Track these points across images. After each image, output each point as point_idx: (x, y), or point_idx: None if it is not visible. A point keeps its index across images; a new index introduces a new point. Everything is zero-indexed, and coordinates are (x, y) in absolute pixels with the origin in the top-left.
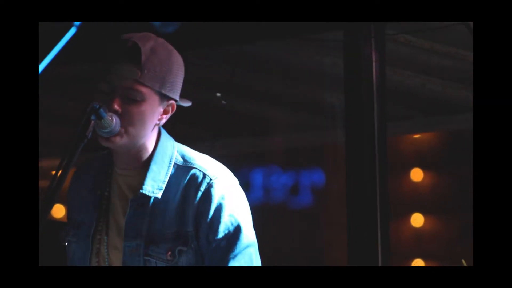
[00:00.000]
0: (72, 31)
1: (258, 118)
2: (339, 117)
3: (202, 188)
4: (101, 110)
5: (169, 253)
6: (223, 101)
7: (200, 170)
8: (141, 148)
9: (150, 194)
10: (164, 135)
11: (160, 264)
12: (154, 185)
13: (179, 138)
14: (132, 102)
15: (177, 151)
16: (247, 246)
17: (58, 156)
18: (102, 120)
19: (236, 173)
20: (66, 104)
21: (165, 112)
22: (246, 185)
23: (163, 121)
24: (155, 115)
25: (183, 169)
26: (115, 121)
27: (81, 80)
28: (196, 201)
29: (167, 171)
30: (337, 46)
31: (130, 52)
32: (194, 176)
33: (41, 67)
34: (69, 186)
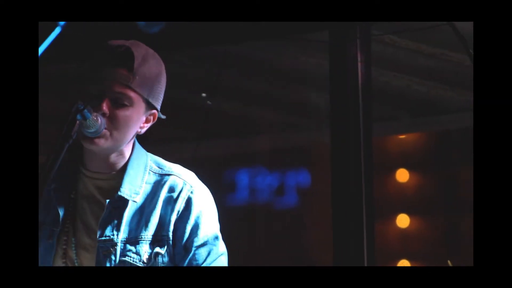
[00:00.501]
0: (57, 30)
1: (243, 118)
2: (324, 117)
3: (184, 195)
4: (86, 110)
5: (146, 255)
6: (208, 102)
7: (180, 178)
8: (119, 155)
9: (127, 197)
10: (137, 144)
11: (136, 266)
12: (132, 188)
13: (164, 139)
14: (120, 106)
15: (150, 159)
16: (221, 254)
17: (44, 156)
18: (87, 120)
19: (221, 174)
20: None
21: (147, 121)
22: (231, 186)
23: (144, 130)
24: (139, 122)
25: (160, 176)
26: (100, 121)
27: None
28: (176, 207)
29: (143, 176)
30: (323, 47)
31: (123, 56)
32: (174, 183)
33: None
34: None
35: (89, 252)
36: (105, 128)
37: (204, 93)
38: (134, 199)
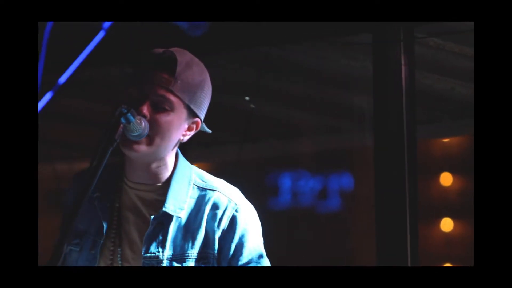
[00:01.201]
0: (101, 34)
1: (286, 121)
2: (367, 120)
3: (229, 213)
4: (129, 114)
5: None
6: (251, 105)
7: (224, 195)
8: (160, 164)
9: (172, 213)
10: (181, 156)
11: None
12: (176, 204)
13: (207, 142)
14: (160, 110)
15: (194, 173)
16: None
17: (81, 160)
18: (131, 124)
19: (264, 177)
20: (92, 107)
21: (189, 129)
22: (274, 189)
23: (187, 138)
24: (181, 128)
25: (204, 191)
26: (144, 124)
27: (107, 83)
28: (221, 225)
29: (187, 191)
30: (366, 50)
31: (166, 61)
32: (219, 201)
33: (69, 71)
34: (68, 192)
35: (131, 264)
36: (149, 134)
37: (247, 96)
38: (179, 215)
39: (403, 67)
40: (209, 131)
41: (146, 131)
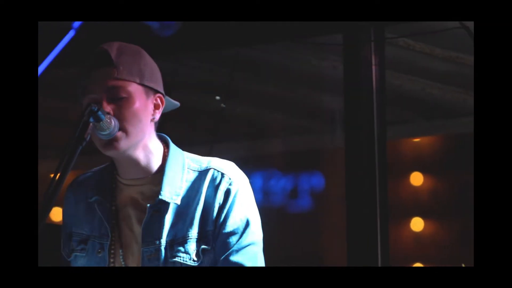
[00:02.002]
0: (71, 33)
1: (257, 121)
2: (338, 120)
3: (223, 187)
4: (99, 112)
5: (194, 253)
6: (222, 104)
7: (218, 171)
8: (146, 152)
9: (168, 200)
10: (172, 144)
11: (186, 265)
12: (172, 190)
13: (177, 142)
14: (119, 100)
15: (187, 157)
16: (252, 243)
17: (56, 159)
18: (101, 122)
19: None
20: (63, 106)
21: (156, 107)
22: None
23: (157, 115)
24: (147, 110)
25: (200, 172)
26: (113, 123)
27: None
28: (216, 200)
29: (182, 176)
30: (336, 50)
31: (99, 57)
32: (213, 177)
33: (40, 69)
34: (66, 198)
35: (135, 256)
36: (118, 128)
37: (217, 96)
38: (175, 201)
39: (373, 67)
40: (177, 103)
41: (116, 129)
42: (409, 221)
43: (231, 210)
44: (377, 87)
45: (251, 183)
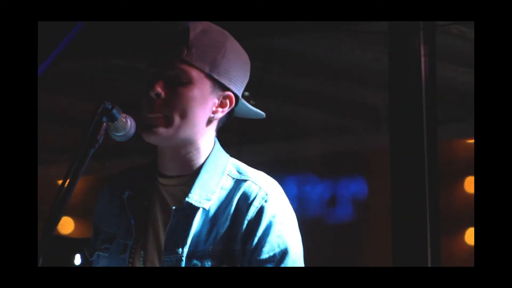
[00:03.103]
0: (79, 25)
1: (291, 120)
2: (383, 119)
3: (257, 204)
4: (114, 110)
5: None
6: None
7: (255, 184)
8: (191, 149)
9: (196, 204)
10: (218, 144)
11: None
12: (202, 194)
13: None
14: (177, 85)
15: (232, 164)
16: None
17: (66, 163)
18: (115, 122)
19: None
20: (74, 104)
21: (221, 105)
22: None
23: (219, 115)
24: (208, 104)
25: (237, 181)
26: (130, 123)
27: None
28: (247, 217)
29: (219, 181)
30: (381, 39)
31: (178, 33)
32: (249, 190)
33: (44, 65)
34: (99, 197)
35: (157, 265)
36: (164, 114)
37: (247, 92)
38: (204, 206)
39: (423, 59)
40: (261, 113)
41: (133, 130)
42: (463, 233)
43: (267, 234)
44: (426, 81)
45: (284, 188)
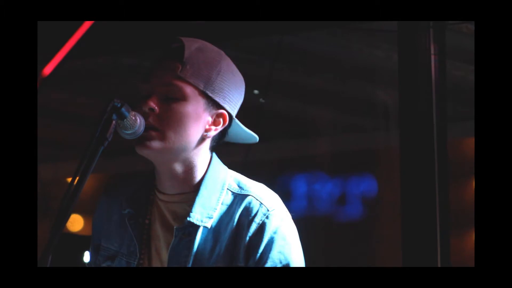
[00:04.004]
0: (88, 23)
1: (300, 118)
2: (392, 117)
3: (258, 220)
4: (123, 108)
5: None
6: (261, 99)
7: (256, 199)
8: (188, 167)
9: (198, 223)
10: (216, 159)
11: None
12: (204, 212)
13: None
14: (171, 100)
15: (231, 177)
16: None
17: (75, 161)
18: (125, 120)
19: (276, 180)
20: (81, 101)
21: (214, 123)
22: (287, 194)
23: (212, 133)
24: (201, 121)
25: (237, 196)
26: (139, 121)
27: (98, 75)
28: (249, 233)
29: (219, 197)
30: (391, 38)
31: (174, 50)
32: (250, 205)
33: (54, 61)
34: (99, 205)
35: None
36: (156, 128)
37: (256, 89)
38: (206, 225)
39: (432, 57)
40: (254, 136)
41: (142, 128)
42: (473, 232)
43: (269, 250)
44: (436, 79)
45: (293, 187)
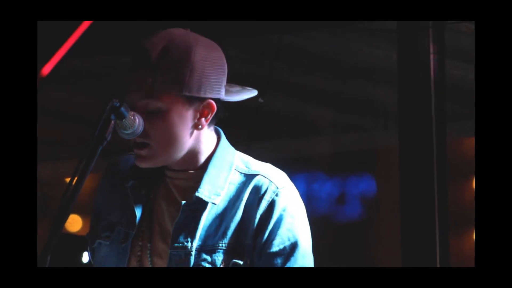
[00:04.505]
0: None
1: (300, 117)
2: (392, 117)
3: (268, 197)
4: (122, 108)
5: (223, 265)
6: (260, 99)
7: (266, 177)
8: (192, 152)
9: (206, 199)
10: (224, 140)
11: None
12: (212, 190)
13: None
14: (152, 114)
15: (238, 157)
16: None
17: (74, 161)
18: (123, 120)
19: None
20: (81, 101)
21: (202, 115)
22: None
23: (204, 123)
24: (186, 122)
25: (246, 176)
26: (137, 121)
27: (98, 75)
28: (258, 211)
29: (227, 176)
30: (390, 37)
31: (139, 55)
32: (259, 184)
33: (53, 61)
34: (101, 182)
35: (163, 259)
36: (145, 144)
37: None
38: (214, 201)
39: (432, 56)
40: (247, 94)
41: (141, 128)
42: (472, 231)
43: (277, 227)
44: (435, 78)
45: None
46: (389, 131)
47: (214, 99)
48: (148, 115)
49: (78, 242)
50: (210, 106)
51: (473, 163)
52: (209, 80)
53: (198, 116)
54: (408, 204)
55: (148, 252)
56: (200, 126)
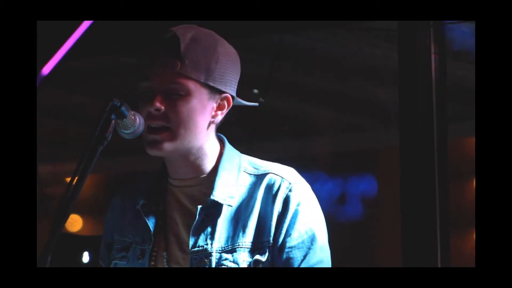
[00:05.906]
0: (87, 22)
1: (300, 117)
2: (393, 117)
3: (283, 194)
4: (123, 108)
5: (244, 264)
6: (261, 99)
7: (277, 175)
8: (199, 155)
9: (222, 202)
10: (228, 143)
11: None
12: (226, 192)
13: None
14: (176, 98)
15: (244, 160)
16: (320, 261)
17: (74, 161)
18: (124, 120)
19: None
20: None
21: (219, 108)
22: None
23: (219, 118)
24: (207, 111)
25: (256, 176)
26: (138, 120)
27: (98, 74)
28: (275, 208)
29: (237, 179)
30: (391, 37)
31: (168, 43)
32: (271, 182)
33: (53, 60)
34: (110, 209)
35: (181, 265)
36: (166, 128)
37: (255, 89)
38: (229, 203)
39: (433, 56)
40: (249, 103)
41: (141, 128)
42: (473, 231)
43: (294, 222)
44: (436, 78)
45: None
46: (389, 131)
47: (230, 96)
48: (171, 99)
49: (78, 242)
50: (227, 100)
51: (474, 163)
52: (230, 75)
53: (215, 108)
54: (409, 204)
55: (164, 260)
56: (215, 120)
